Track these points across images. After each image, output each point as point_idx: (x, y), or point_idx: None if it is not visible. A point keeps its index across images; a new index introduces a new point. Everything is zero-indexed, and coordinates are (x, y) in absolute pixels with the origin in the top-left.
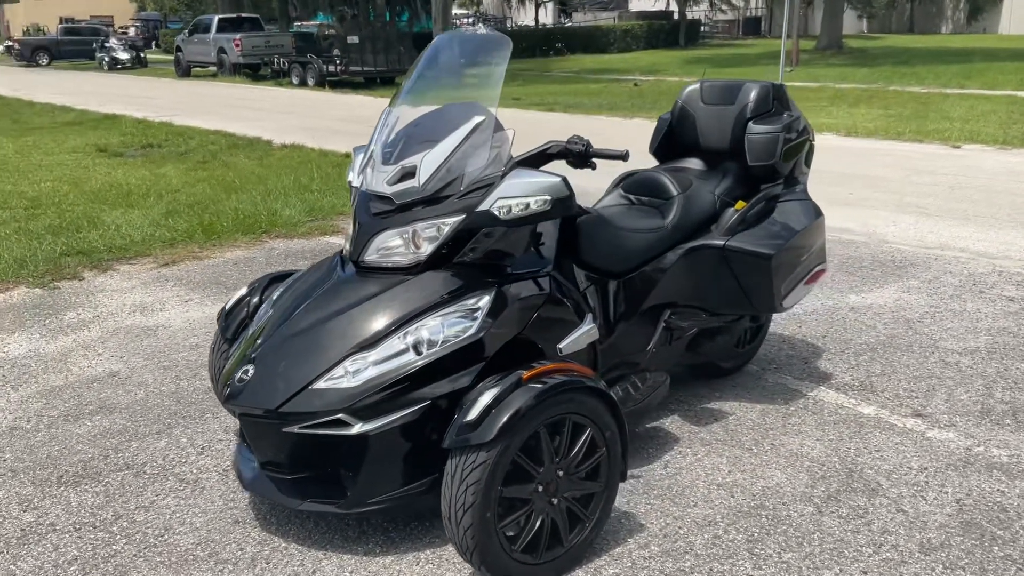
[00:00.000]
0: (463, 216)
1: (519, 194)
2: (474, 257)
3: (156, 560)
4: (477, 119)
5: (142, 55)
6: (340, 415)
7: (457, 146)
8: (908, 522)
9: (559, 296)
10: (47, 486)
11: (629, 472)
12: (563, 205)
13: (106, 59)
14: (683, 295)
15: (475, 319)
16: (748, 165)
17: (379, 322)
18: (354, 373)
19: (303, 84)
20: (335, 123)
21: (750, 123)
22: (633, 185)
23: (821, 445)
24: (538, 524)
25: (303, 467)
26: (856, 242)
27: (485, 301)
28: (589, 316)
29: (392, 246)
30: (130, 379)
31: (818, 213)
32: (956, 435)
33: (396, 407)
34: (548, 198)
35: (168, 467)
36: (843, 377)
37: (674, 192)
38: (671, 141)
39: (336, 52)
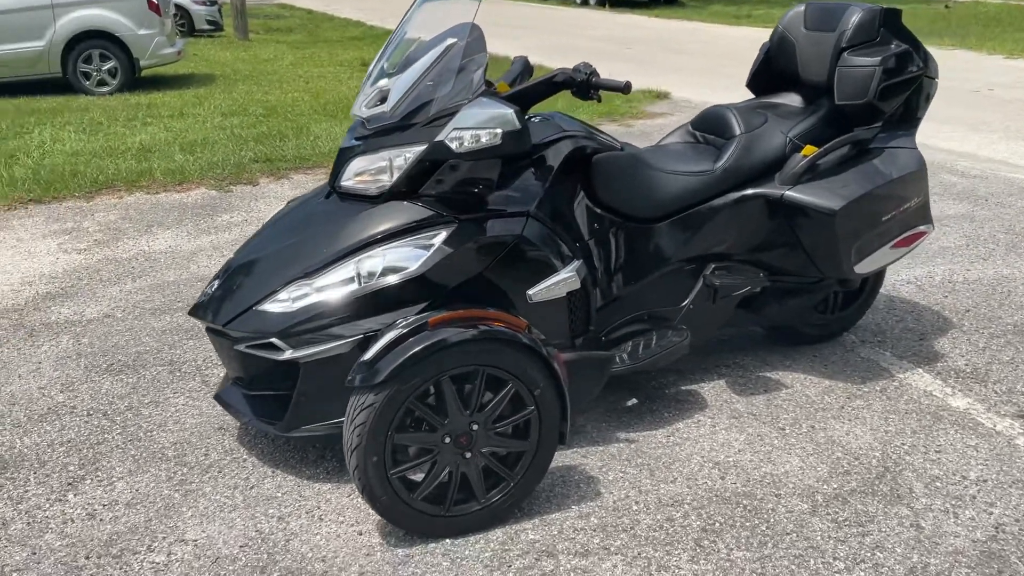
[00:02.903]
0: (425, 146)
1: (472, 125)
2: (441, 190)
3: (130, 453)
4: (449, 41)
5: None
6: (273, 339)
7: (426, 70)
8: (915, 540)
9: (534, 239)
10: (94, 372)
11: (624, 435)
12: (513, 139)
13: None
14: (731, 249)
15: (424, 254)
16: (836, 103)
17: (330, 249)
18: (295, 298)
19: (585, 3)
20: (586, 42)
21: (844, 54)
22: (700, 121)
23: (871, 436)
24: (445, 476)
25: (256, 385)
26: None
27: (441, 237)
28: (574, 264)
29: (363, 172)
30: None
31: (918, 163)
32: None
33: (328, 338)
34: (498, 131)
35: (202, 368)
36: (955, 361)
37: (737, 131)
38: (769, 72)
39: None
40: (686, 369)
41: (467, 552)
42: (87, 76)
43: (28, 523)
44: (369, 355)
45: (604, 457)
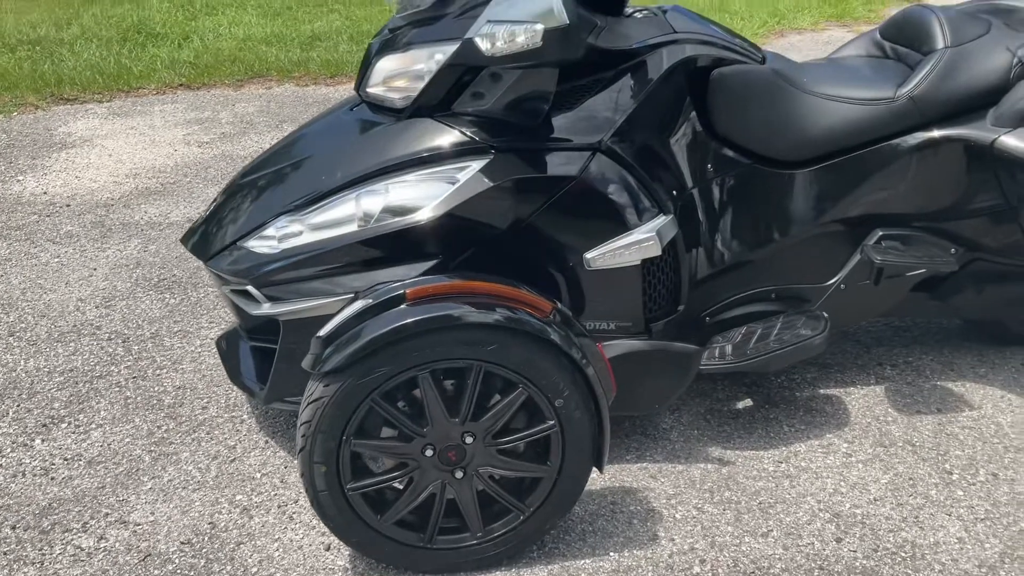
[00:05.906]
0: (458, 44)
1: (508, 18)
2: (480, 106)
3: (125, 395)
4: None
5: None
6: (248, 287)
7: None
8: None
9: (599, 182)
10: (141, 287)
11: (719, 453)
12: (559, 40)
13: None
14: (908, 211)
15: (442, 194)
16: None
17: (333, 176)
18: (282, 237)
19: None
20: None
21: None
22: (891, 27)
23: None
24: (426, 499)
25: (255, 335)
26: None
27: (469, 171)
28: (656, 221)
29: (390, 75)
30: None
31: None
32: None
33: (312, 292)
34: (538, 27)
35: None
36: None
37: (940, 42)
38: None
39: None
40: (833, 362)
41: None
42: None
43: None
44: (324, 332)
45: (680, 482)
